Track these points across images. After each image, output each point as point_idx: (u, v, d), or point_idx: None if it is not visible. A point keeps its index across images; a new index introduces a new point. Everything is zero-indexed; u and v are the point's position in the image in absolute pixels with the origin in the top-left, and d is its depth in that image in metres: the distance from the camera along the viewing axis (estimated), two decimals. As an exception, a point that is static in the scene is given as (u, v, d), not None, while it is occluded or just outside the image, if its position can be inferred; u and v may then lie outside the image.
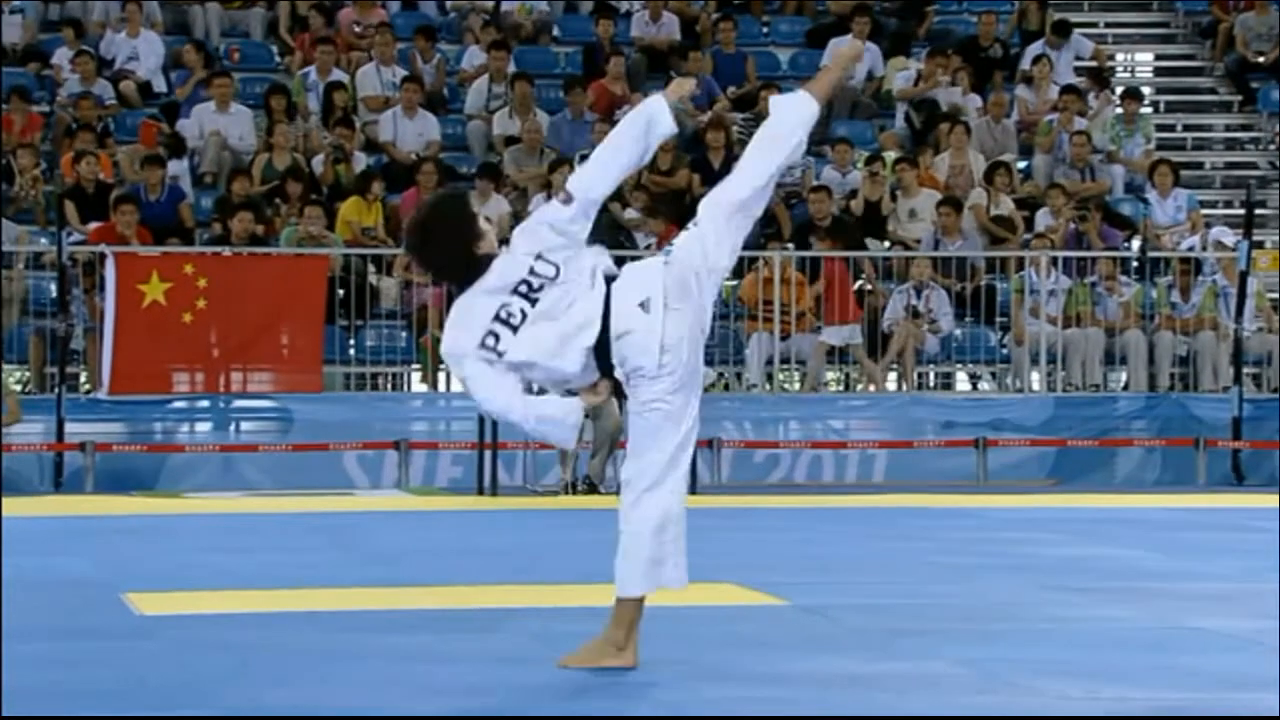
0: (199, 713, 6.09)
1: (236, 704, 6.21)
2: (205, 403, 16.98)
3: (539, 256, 6.60)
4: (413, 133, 20.13)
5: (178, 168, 19.27)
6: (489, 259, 6.60)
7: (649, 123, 6.79)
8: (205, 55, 20.95)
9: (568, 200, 6.65)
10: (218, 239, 18.20)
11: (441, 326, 19.04)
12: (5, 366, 16.79)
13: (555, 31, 22.28)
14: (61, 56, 20.67)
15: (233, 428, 17.07)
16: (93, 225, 18.12)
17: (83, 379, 17.62)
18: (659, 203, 19.16)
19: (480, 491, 15.10)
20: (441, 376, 18.07)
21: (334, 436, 16.64)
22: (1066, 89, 21.02)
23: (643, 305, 6.61)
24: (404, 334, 18.05)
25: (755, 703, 6.28)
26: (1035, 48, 21.98)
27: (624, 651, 6.71)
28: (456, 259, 6.61)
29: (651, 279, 6.67)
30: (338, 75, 20.53)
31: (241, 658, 7.10)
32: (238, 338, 16.78)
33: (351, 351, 17.89)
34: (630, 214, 19.09)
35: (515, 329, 6.58)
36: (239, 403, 17.02)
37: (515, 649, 7.23)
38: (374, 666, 6.88)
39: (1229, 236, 19.09)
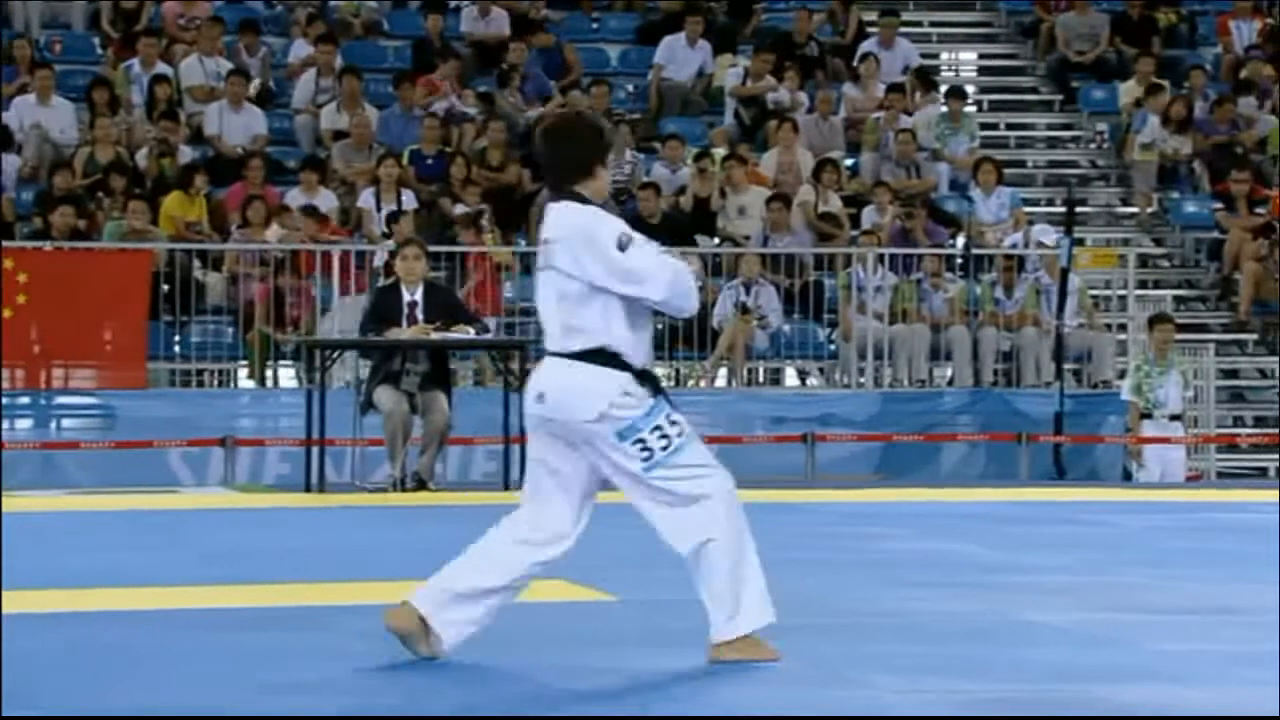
0: (23, 713, 5.97)
1: (62, 706, 6.10)
2: (26, 399, 16.76)
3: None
4: (239, 126, 19.93)
5: (6, 162, 18.97)
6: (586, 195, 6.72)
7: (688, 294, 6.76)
8: (26, 48, 20.60)
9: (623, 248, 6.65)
10: (39, 233, 17.90)
11: (268, 322, 18.80)
12: None
13: (384, 25, 22.15)
14: (-123, 49, 20.27)
15: (54, 425, 16.85)
16: (-91, 219, 17.79)
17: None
18: (492, 203, 19.12)
19: (308, 489, 14.96)
20: (269, 373, 17.91)
21: (158, 433, 16.47)
22: (892, 87, 21.23)
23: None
24: (230, 330, 17.87)
25: (588, 699, 6.27)
26: (866, 45, 22.17)
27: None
28: (584, 164, 6.71)
29: None
30: (162, 69, 20.26)
31: (65, 659, 6.98)
32: (60, 333, 16.57)
33: (177, 348, 17.69)
34: (460, 209, 19.01)
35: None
36: (60, 399, 16.85)
37: (345, 646, 7.15)
38: (202, 665, 6.81)
39: (1051, 234, 19.38)
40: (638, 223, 19.00)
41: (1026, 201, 21.14)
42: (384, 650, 6.86)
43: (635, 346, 6.72)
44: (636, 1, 23.20)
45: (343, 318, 17.11)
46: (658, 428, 6.69)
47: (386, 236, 18.17)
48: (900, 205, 19.73)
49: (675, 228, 19.02)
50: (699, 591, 6.83)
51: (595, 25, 23.03)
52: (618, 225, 6.73)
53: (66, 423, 16.93)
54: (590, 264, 6.60)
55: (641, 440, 6.67)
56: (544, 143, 6.91)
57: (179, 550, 11.01)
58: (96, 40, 21.49)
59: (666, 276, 6.68)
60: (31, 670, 6.73)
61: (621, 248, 6.63)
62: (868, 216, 19.72)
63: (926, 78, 22.06)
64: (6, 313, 16.36)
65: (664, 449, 6.70)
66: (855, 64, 21.91)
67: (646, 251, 6.68)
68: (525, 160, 19.88)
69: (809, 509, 13.65)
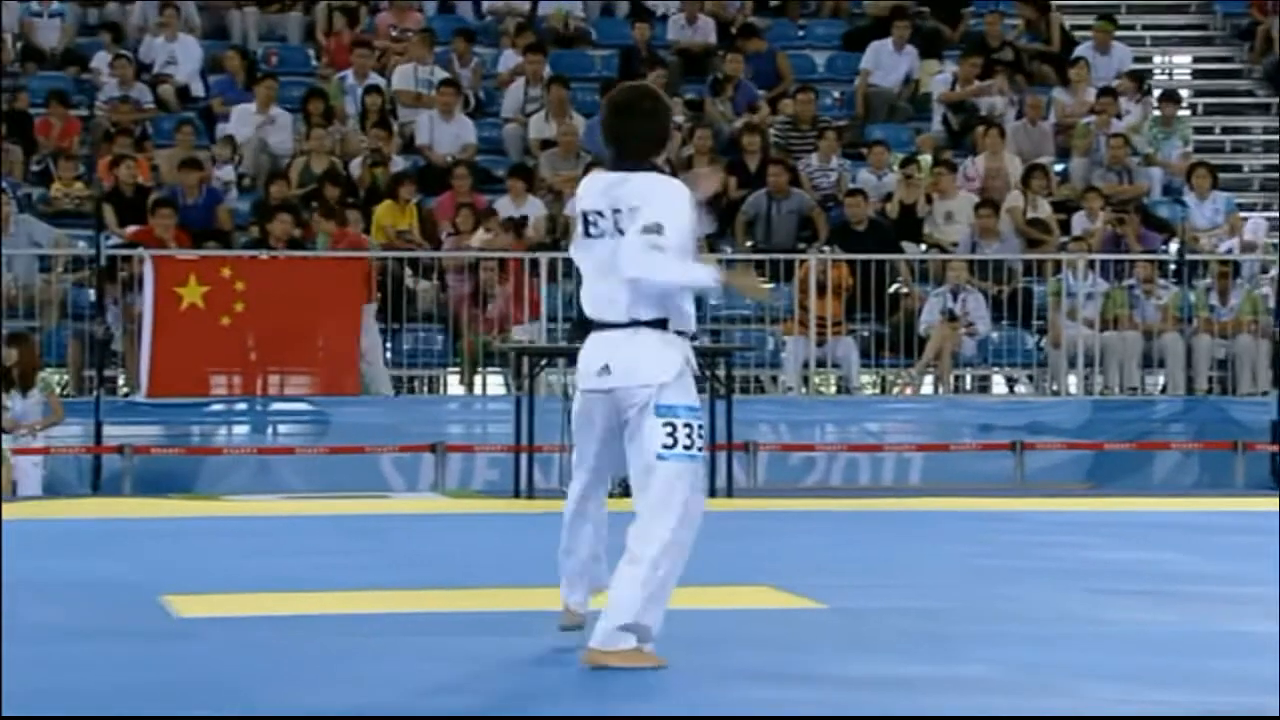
0: (236, 713, 6.09)
1: (274, 705, 6.20)
2: (242, 405, 17.01)
3: None
4: (449, 135, 20.14)
5: (227, 172, 19.33)
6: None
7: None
8: (245, 60, 20.99)
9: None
10: (255, 242, 18.22)
11: (475, 330, 18.90)
12: (47, 369, 16.84)
13: (591, 35, 22.28)
14: (100, 60, 20.75)
15: (270, 430, 17.09)
16: (131, 228, 18.17)
17: (121, 382, 17.64)
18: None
19: (516, 494, 15.09)
20: (478, 379, 18.08)
21: (370, 439, 16.66)
22: (1104, 91, 20.94)
23: None
24: (440, 337, 18.05)
25: (793, 704, 6.26)
26: (1080, 50, 21.89)
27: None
28: (660, 138, 6.86)
29: None
30: (375, 79, 20.55)
31: (279, 659, 7.08)
32: (275, 340, 16.76)
33: (388, 354, 17.90)
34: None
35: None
36: (276, 405, 17.03)
37: (552, 652, 7.18)
38: (411, 668, 6.85)
39: (1263, 227, 19.02)
40: (844, 229, 19.03)
41: (1242, 207, 20.75)
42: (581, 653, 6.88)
43: (692, 317, 6.84)
44: (843, 7, 23.11)
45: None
46: (689, 425, 6.71)
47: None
48: (1112, 211, 19.46)
49: (881, 234, 18.94)
50: (608, 582, 6.83)
51: (801, 32, 22.98)
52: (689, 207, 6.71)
53: (282, 428, 17.18)
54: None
55: (672, 425, 6.69)
56: (623, 116, 6.85)
57: (390, 554, 11.14)
58: (311, 52, 21.86)
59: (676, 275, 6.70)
60: (239, 671, 6.85)
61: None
62: (1078, 222, 19.47)
63: (1139, 80, 21.70)
64: (225, 320, 16.64)
65: (686, 449, 6.70)
66: (1067, 68, 21.62)
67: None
68: (731, 168, 19.88)
69: (1017, 517, 13.51)
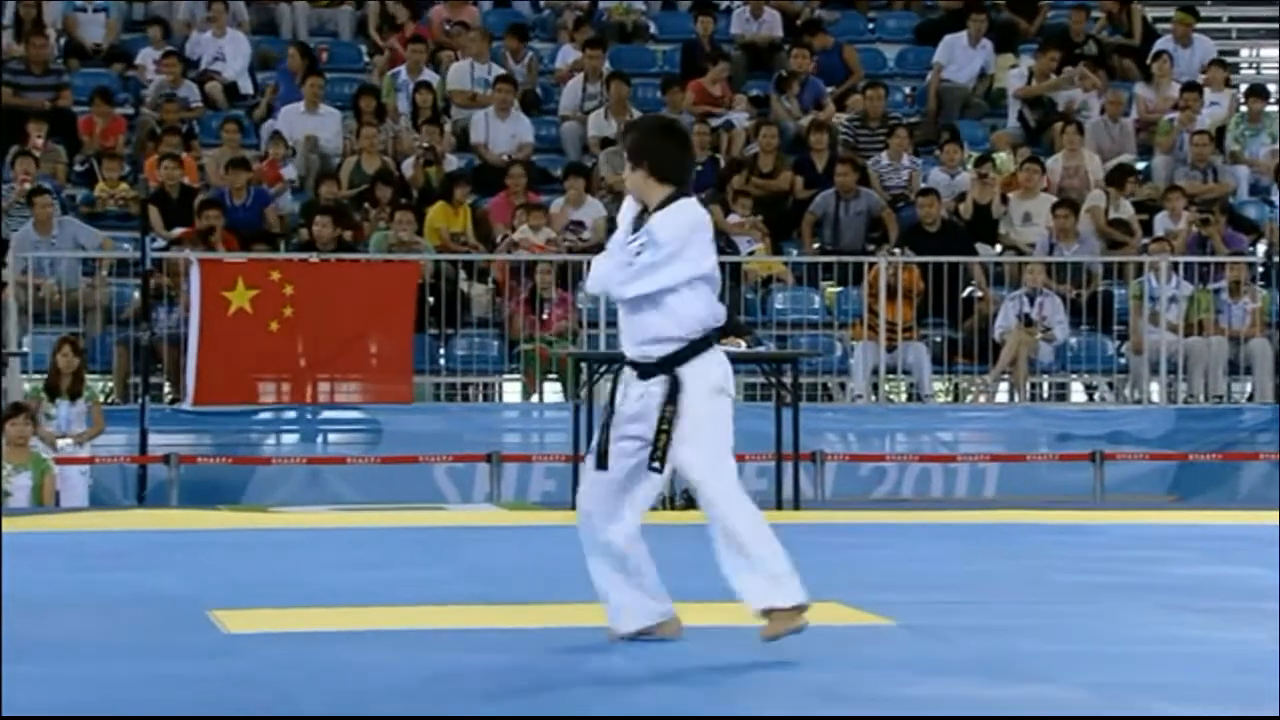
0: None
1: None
2: (292, 414, 16.86)
3: None
4: (505, 134, 19.76)
5: (290, 171, 19.05)
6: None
7: None
8: (305, 57, 20.52)
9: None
10: (306, 245, 17.83)
11: (533, 338, 18.45)
12: (89, 376, 16.56)
13: (652, 29, 21.86)
14: (146, 57, 20.46)
15: (320, 439, 16.98)
16: (177, 230, 17.84)
17: (166, 389, 17.31)
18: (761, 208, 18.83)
19: (574, 506, 14.60)
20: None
21: (424, 448, 16.43)
22: (1188, 86, 20.39)
23: None
24: (495, 343, 17.77)
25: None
26: (1161, 44, 21.36)
27: None
28: (684, 168, 7.50)
29: None
30: (428, 75, 20.13)
31: (331, 676, 6.93)
32: (325, 347, 16.45)
33: (442, 361, 17.59)
34: (734, 219, 18.65)
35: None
36: (327, 414, 16.90)
37: (614, 665, 7.16)
38: (468, 685, 6.76)
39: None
40: (915, 230, 18.51)
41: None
42: (648, 671, 6.92)
43: None
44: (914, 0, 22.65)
45: None
46: None
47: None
48: (1196, 211, 18.90)
49: (954, 235, 18.45)
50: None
51: (871, 25, 22.53)
52: None
53: (332, 437, 17.02)
54: None
55: None
56: (683, 141, 7.54)
57: (445, 568, 10.94)
58: (363, 48, 21.46)
59: None
60: (290, 688, 6.75)
61: None
62: (1160, 223, 18.95)
63: (1225, 68, 21.05)
64: (273, 325, 16.28)
65: None
66: (1149, 63, 21.05)
67: None
68: (798, 166, 19.42)
69: (1096, 531, 13.23)
